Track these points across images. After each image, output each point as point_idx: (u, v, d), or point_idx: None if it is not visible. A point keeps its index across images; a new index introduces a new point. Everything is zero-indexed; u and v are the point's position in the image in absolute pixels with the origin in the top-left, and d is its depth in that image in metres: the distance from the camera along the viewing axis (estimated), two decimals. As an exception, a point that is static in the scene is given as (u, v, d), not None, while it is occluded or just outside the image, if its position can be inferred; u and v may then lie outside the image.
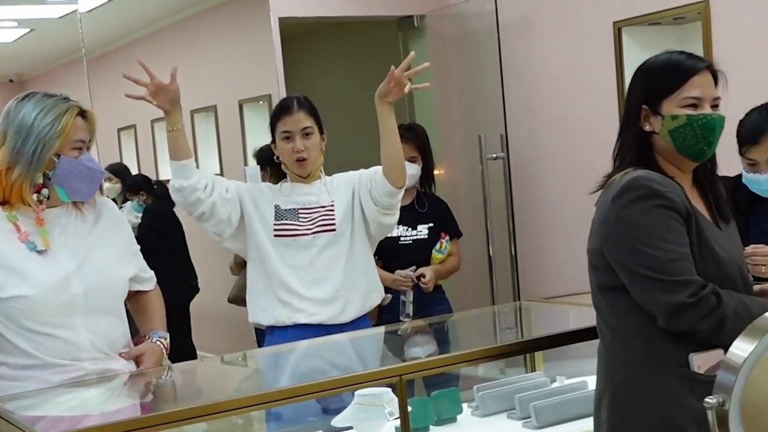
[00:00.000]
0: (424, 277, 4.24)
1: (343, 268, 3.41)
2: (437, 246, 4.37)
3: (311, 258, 3.38)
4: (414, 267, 4.27)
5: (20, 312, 2.42)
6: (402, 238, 4.36)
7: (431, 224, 4.41)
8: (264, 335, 3.57)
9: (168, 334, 2.77)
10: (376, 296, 3.54)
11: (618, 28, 4.75)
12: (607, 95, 4.81)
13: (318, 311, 3.38)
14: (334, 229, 3.39)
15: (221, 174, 7.38)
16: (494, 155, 5.21)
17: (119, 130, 8.47)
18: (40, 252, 2.47)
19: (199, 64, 7.50)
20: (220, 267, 6.70)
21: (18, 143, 2.43)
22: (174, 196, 3.30)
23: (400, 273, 4.25)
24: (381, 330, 3.33)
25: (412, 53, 3.37)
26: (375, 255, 4.35)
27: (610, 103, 4.80)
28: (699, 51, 4.37)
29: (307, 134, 3.40)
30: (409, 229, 4.39)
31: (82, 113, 2.54)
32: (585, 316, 3.09)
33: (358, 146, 7.16)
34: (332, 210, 3.41)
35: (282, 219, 3.39)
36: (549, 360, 3.31)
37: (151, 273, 2.81)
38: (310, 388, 2.29)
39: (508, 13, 5.19)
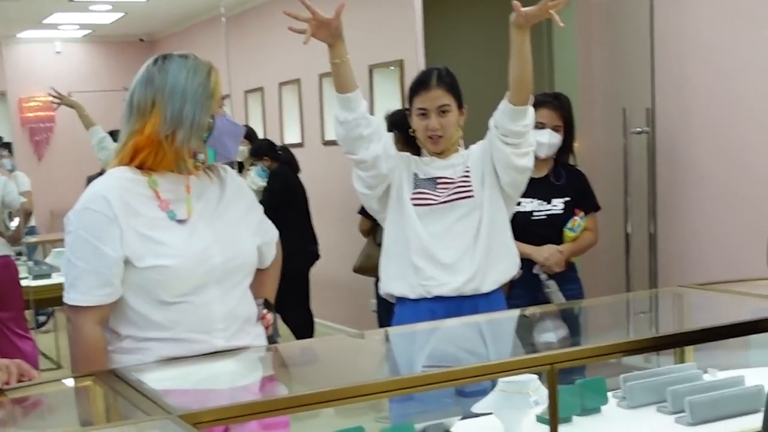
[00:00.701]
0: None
1: (483, 236, 3.31)
2: (569, 224, 4.17)
3: (449, 225, 3.30)
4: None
5: (157, 283, 2.32)
6: (535, 213, 4.18)
7: (567, 198, 4.21)
8: (391, 309, 3.45)
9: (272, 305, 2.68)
10: (513, 268, 3.44)
11: (785, 1, 4.42)
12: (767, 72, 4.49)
13: (452, 280, 3.27)
14: (472, 196, 3.30)
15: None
16: (638, 129, 4.96)
17: (246, 92, 8.48)
18: (179, 221, 2.38)
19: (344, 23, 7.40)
20: (342, 234, 6.65)
21: (176, 108, 2.33)
22: (337, 130, 3.24)
23: (551, 253, 4.09)
24: (518, 313, 3.14)
25: None
26: None
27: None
28: None
29: (443, 111, 3.32)
30: (544, 203, 4.20)
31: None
32: (743, 305, 2.88)
33: (488, 114, 7.00)
34: (468, 177, 3.33)
35: (419, 188, 3.32)
36: (699, 350, 3.10)
37: (274, 240, 2.70)
38: (457, 374, 2.17)
39: (664, -20, 4.89)
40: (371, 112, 7.28)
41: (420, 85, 3.36)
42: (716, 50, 4.75)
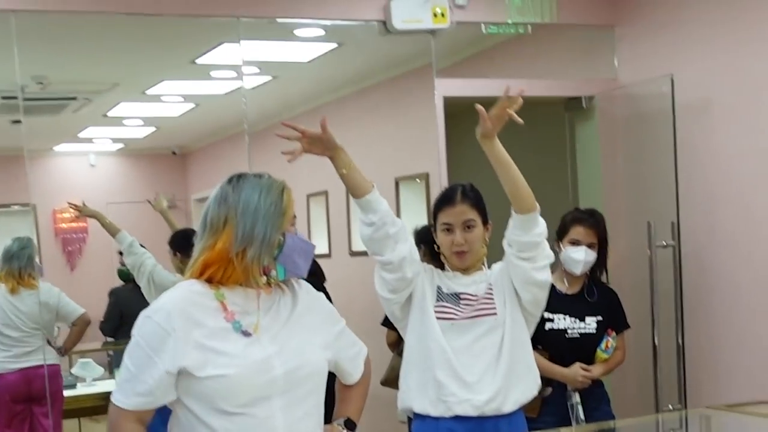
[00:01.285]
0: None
1: (505, 354, 3.25)
2: (602, 345, 4.14)
3: (471, 342, 3.24)
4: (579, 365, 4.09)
5: (217, 392, 2.31)
6: (569, 331, 4.14)
7: (600, 317, 4.17)
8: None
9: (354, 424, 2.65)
10: (534, 388, 3.36)
11: (807, 114, 4.44)
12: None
13: (474, 398, 3.20)
14: (495, 313, 3.25)
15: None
16: (664, 243, 4.94)
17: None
18: (245, 333, 2.37)
19: (357, 141, 7.49)
20: (368, 345, 6.61)
21: (247, 226, 2.36)
22: (362, 232, 3.19)
23: (582, 373, 4.07)
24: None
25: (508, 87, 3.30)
26: (539, 345, 4.20)
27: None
28: None
29: (468, 227, 3.29)
30: (577, 320, 4.16)
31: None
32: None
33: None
34: (491, 295, 3.28)
35: (442, 301, 3.28)
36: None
37: (360, 355, 2.71)
38: None
39: (687, 95, 4.93)
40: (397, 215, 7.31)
41: (445, 200, 3.34)
42: (742, 163, 4.77)
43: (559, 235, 4.24)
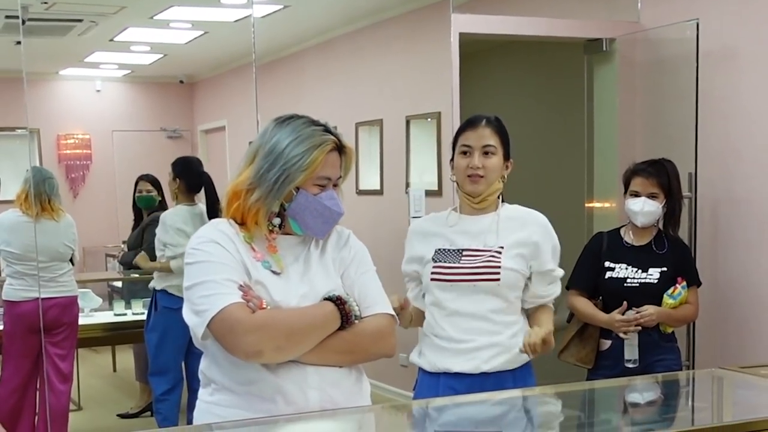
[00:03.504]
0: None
1: (503, 317, 3.10)
2: (670, 290, 4.03)
3: (471, 305, 3.08)
4: (636, 310, 3.99)
5: None
6: (629, 280, 4.07)
7: (665, 268, 4.07)
8: None
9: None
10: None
11: (836, 66, 4.27)
12: (818, 139, 4.34)
13: (472, 357, 3.07)
14: (498, 279, 3.07)
15: (381, 191, 7.21)
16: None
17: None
18: (274, 272, 2.34)
19: (368, 76, 7.37)
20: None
21: (264, 167, 2.32)
22: None
23: (620, 318, 3.99)
24: (554, 390, 2.93)
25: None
26: (598, 294, 4.14)
27: (820, 147, 4.33)
28: None
29: (487, 152, 3.09)
30: (639, 270, 4.08)
31: (340, 148, 2.40)
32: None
33: (534, 170, 6.90)
34: (499, 256, 3.08)
35: (441, 261, 3.11)
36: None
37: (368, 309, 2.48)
38: None
39: (711, 41, 4.75)
40: (406, 164, 7.21)
41: (468, 124, 3.16)
42: (763, 116, 4.61)
43: (624, 189, 4.20)
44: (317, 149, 2.32)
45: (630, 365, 3.97)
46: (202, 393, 2.38)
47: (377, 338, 2.37)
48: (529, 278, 3.13)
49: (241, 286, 2.26)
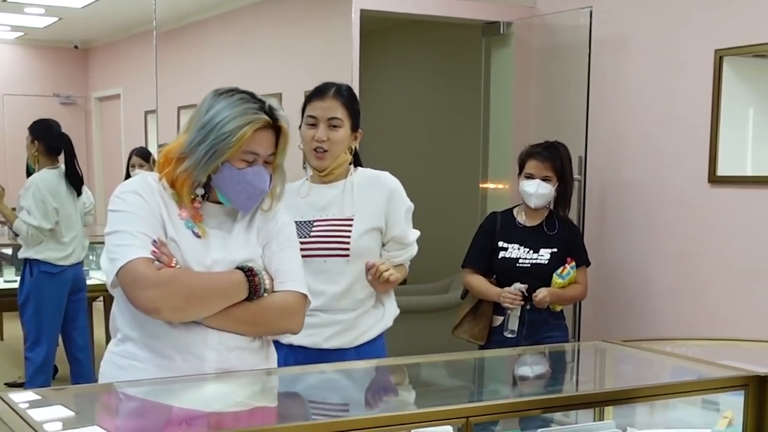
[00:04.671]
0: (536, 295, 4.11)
1: (355, 292, 3.05)
2: (559, 270, 4.17)
3: (320, 281, 2.99)
4: (525, 286, 4.12)
5: None
6: (520, 260, 4.20)
7: (555, 249, 4.22)
8: None
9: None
10: (389, 317, 3.16)
11: (719, 57, 4.46)
12: (701, 126, 4.53)
13: (317, 333, 3.02)
14: (347, 254, 3.01)
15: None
16: (570, 176, 4.95)
17: (180, 108, 8.34)
18: (195, 234, 2.37)
19: (269, 49, 7.35)
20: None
21: (196, 139, 2.34)
22: None
23: (507, 289, 4.12)
24: (436, 359, 3.00)
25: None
26: (492, 273, 4.22)
27: (703, 134, 4.53)
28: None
29: (334, 126, 3.00)
30: (530, 251, 4.22)
31: (276, 126, 2.39)
32: (665, 366, 2.83)
33: (430, 150, 7.00)
34: (349, 228, 3.03)
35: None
36: (619, 407, 3.05)
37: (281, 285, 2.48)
38: (365, 422, 2.04)
39: (604, 29, 4.91)
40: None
41: (316, 93, 3.04)
42: (652, 102, 4.79)
43: (519, 170, 4.30)
44: (245, 127, 2.32)
45: (508, 335, 4.11)
46: (111, 343, 2.42)
47: (283, 314, 2.40)
48: (383, 245, 3.09)
49: (154, 241, 2.29)
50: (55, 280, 5.32)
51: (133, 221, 2.29)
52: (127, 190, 2.35)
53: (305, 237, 2.98)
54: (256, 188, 2.39)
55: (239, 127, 2.32)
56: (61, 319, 5.41)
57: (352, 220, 3.02)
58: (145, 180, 2.39)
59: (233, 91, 2.39)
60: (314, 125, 3.00)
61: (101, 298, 6.46)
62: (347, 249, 3.00)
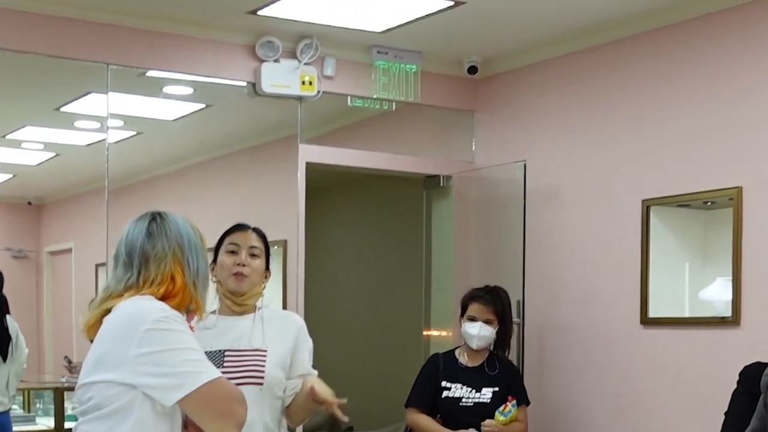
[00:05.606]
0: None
1: (266, 423, 3.11)
2: (501, 408, 4.31)
3: None
4: (472, 430, 4.25)
5: None
6: (464, 400, 4.35)
7: (497, 388, 4.37)
8: None
9: None
10: None
11: (646, 207, 4.72)
12: (631, 272, 4.75)
13: None
14: (261, 383, 3.09)
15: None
16: (510, 321, 5.10)
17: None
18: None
19: (219, 204, 7.52)
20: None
21: (196, 261, 2.47)
22: None
23: None
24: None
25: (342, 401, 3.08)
26: (435, 412, 4.32)
27: (633, 280, 4.74)
28: (728, 238, 4.35)
29: (253, 254, 3.19)
30: (473, 390, 4.37)
31: None
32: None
33: (375, 299, 7.13)
34: (263, 357, 3.11)
35: None
36: None
37: None
38: None
39: (538, 181, 5.18)
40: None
41: (236, 227, 3.28)
42: (585, 249, 5.02)
43: (461, 312, 4.49)
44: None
45: None
46: None
47: None
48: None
49: None
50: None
51: (193, 343, 2.35)
52: (174, 314, 2.38)
53: (218, 367, 2.96)
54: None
55: (198, 229, 2.53)
56: None
57: (265, 351, 3.12)
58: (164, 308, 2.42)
59: (161, 213, 2.55)
60: (235, 252, 3.19)
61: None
62: (261, 377, 3.08)
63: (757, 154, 4.27)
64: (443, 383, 4.38)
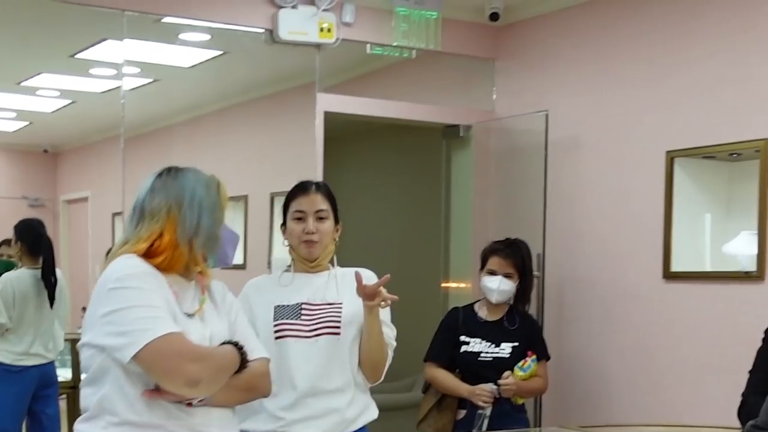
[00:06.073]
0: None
1: (346, 377, 3.11)
2: (520, 363, 4.26)
3: (310, 363, 3.06)
4: (497, 388, 4.19)
5: None
6: (482, 354, 4.29)
7: (516, 343, 4.31)
8: None
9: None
10: (371, 413, 3.22)
11: (671, 158, 4.63)
12: (654, 225, 4.68)
13: (311, 425, 3.06)
14: (338, 333, 3.10)
15: (244, 266, 7.28)
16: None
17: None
18: (186, 313, 2.42)
19: (235, 153, 7.48)
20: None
21: (194, 218, 2.43)
22: None
23: (482, 387, 4.18)
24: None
25: (387, 276, 3.07)
26: (455, 367, 4.31)
27: (656, 233, 4.67)
28: (754, 190, 4.26)
29: (321, 218, 3.15)
30: (492, 345, 4.31)
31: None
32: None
33: (393, 250, 7.09)
34: (339, 309, 3.12)
35: (282, 318, 3.10)
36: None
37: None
38: None
39: (559, 132, 5.09)
40: (270, 240, 7.31)
41: (299, 189, 3.21)
42: (607, 202, 4.95)
43: (481, 265, 4.42)
44: (221, 187, 2.53)
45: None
46: (89, 426, 2.35)
47: (263, 379, 2.53)
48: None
49: None
50: (13, 378, 5.32)
51: (153, 299, 2.31)
52: (138, 271, 2.35)
53: (295, 319, 3.08)
54: (237, 236, 2.58)
55: (217, 189, 2.50)
56: (22, 416, 5.38)
57: (340, 303, 3.13)
58: (143, 263, 2.39)
59: (175, 168, 2.52)
60: (302, 219, 3.15)
61: (64, 396, 6.42)
62: (338, 328, 3.09)
63: (785, 105, 4.17)
64: (462, 338, 4.33)
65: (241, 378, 2.43)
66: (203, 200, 2.44)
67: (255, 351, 2.52)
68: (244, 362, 2.43)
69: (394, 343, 3.19)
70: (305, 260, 3.17)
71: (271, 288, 3.17)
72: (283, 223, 3.22)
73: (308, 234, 3.13)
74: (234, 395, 2.45)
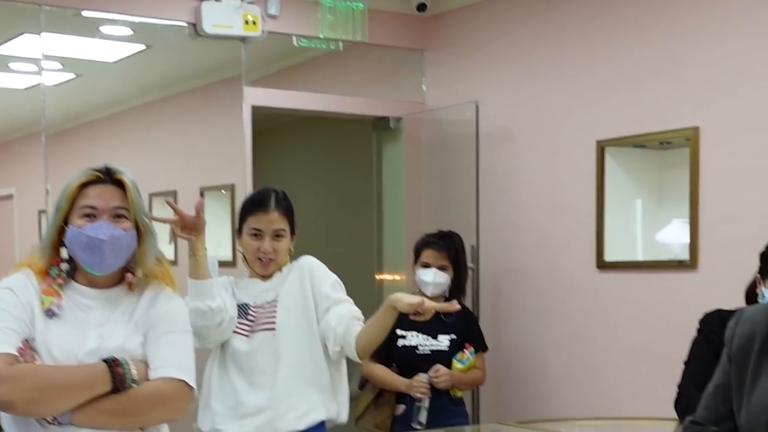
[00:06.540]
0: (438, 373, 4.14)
1: (281, 374, 3.11)
2: (458, 355, 4.24)
3: (250, 361, 3.12)
4: (424, 374, 4.16)
5: None
6: (420, 347, 4.26)
7: (454, 336, 4.28)
8: None
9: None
10: (329, 411, 3.19)
11: (601, 148, 4.62)
12: (587, 215, 4.67)
13: (244, 423, 3.10)
14: (273, 329, 3.13)
15: (175, 261, 7.16)
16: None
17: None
18: (52, 313, 2.36)
19: (162, 148, 7.34)
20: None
21: (49, 218, 2.40)
22: (195, 319, 2.88)
23: (417, 378, 4.15)
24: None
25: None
26: (391, 362, 4.24)
27: (589, 223, 4.66)
28: (684, 178, 4.28)
29: (278, 236, 3.19)
30: (429, 338, 4.27)
31: (116, 181, 2.41)
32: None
33: (325, 244, 7.01)
34: (275, 306, 3.16)
35: (240, 317, 3.19)
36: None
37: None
38: None
39: (490, 122, 5.06)
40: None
41: (257, 205, 3.20)
42: (539, 192, 4.94)
43: (414, 258, 4.39)
44: (74, 181, 2.37)
45: (416, 426, 4.12)
46: None
47: (154, 402, 2.30)
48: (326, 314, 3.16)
49: (26, 341, 2.27)
50: None
51: (2, 317, 2.27)
52: (1, 286, 2.34)
53: (243, 318, 3.16)
54: (93, 239, 2.32)
55: (64, 189, 2.37)
56: None
57: (276, 299, 3.17)
58: (24, 274, 2.37)
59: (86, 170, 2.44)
60: (258, 236, 3.17)
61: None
62: (273, 324, 3.12)
63: (714, 93, 4.18)
64: (398, 331, 4.28)
65: (113, 401, 2.25)
66: (57, 200, 2.40)
67: (162, 369, 2.33)
68: (120, 383, 2.26)
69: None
70: (258, 274, 3.23)
71: (231, 288, 3.24)
72: (239, 231, 3.23)
73: (264, 253, 3.16)
74: (102, 418, 2.25)
